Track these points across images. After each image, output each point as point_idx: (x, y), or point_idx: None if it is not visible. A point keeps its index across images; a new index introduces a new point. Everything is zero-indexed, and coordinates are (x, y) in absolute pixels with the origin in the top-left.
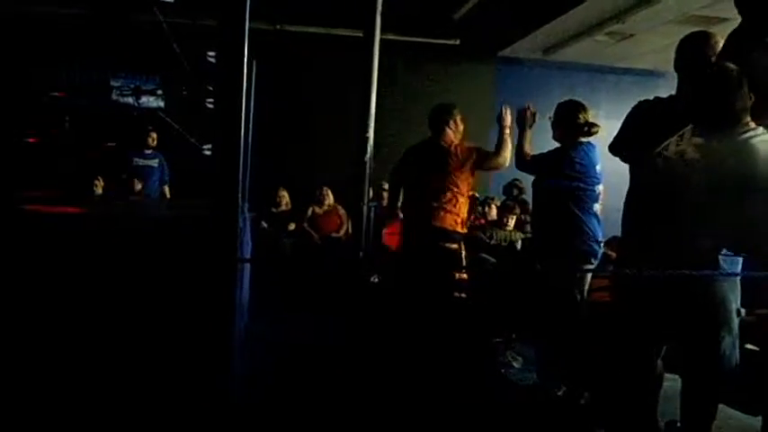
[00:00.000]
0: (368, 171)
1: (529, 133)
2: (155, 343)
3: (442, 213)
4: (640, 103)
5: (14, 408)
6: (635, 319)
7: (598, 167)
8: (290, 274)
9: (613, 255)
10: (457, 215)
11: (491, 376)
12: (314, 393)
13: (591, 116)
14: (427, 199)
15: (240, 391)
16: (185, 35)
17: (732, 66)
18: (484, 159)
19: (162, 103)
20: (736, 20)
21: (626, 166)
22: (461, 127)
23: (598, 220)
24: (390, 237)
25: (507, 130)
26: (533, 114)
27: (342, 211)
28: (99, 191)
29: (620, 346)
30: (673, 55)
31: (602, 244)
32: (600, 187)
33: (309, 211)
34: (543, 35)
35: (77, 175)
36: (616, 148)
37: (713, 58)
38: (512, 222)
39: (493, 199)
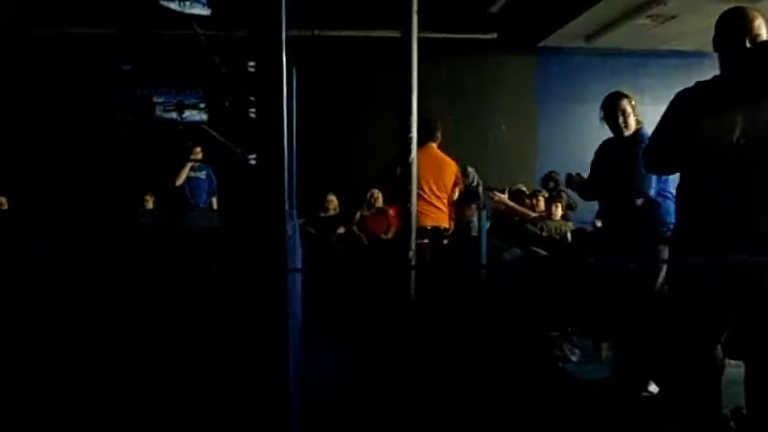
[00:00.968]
0: (414, 171)
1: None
2: (206, 359)
3: None
4: (679, 95)
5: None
6: (697, 306)
7: None
8: (342, 279)
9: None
10: None
11: (549, 370)
12: (373, 398)
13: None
14: None
15: (298, 405)
16: (225, 47)
17: None
18: None
19: (205, 116)
20: None
21: None
22: None
23: None
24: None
25: None
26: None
27: (391, 213)
28: (150, 206)
29: (682, 334)
30: None
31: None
32: None
33: (358, 215)
34: (584, 22)
35: (128, 191)
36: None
37: (753, 34)
38: (558, 213)
39: (540, 191)
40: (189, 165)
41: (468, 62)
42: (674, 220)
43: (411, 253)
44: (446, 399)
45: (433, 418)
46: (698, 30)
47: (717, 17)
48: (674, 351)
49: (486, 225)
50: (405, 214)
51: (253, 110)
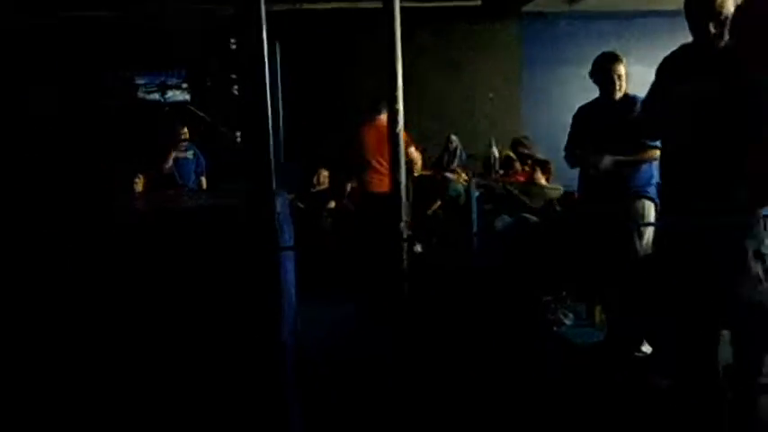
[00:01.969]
0: (401, 143)
1: None
2: (199, 339)
3: None
4: (661, 63)
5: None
6: (679, 267)
7: None
8: (333, 252)
9: None
10: None
11: (544, 334)
12: (367, 374)
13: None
14: None
15: (292, 379)
16: (206, 25)
17: None
18: None
19: (188, 96)
20: None
21: None
22: None
23: None
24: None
25: None
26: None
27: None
28: (139, 188)
29: (672, 296)
30: None
31: None
32: None
33: (348, 187)
34: None
35: (117, 174)
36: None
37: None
38: (542, 178)
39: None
40: (173, 150)
41: (454, 30)
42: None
43: (402, 224)
44: (441, 368)
45: (427, 385)
46: None
47: None
48: (665, 312)
49: (476, 194)
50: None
51: (236, 87)
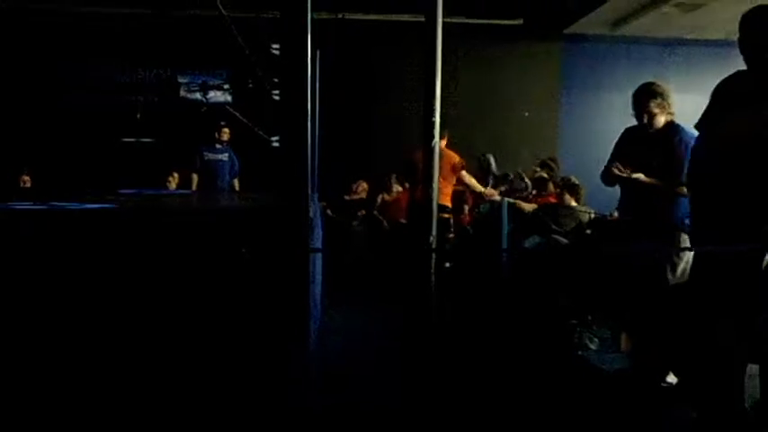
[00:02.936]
0: (435, 157)
1: None
2: (228, 337)
3: None
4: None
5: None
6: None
7: None
8: (362, 260)
9: None
10: None
11: (568, 358)
12: (391, 383)
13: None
14: None
15: (316, 385)
16: (249, 29)
17: None
18: None
19: (229, 98)
20: None
21: None
22: None
23: None
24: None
25: None
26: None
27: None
28: (173, 186)
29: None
30: None
31: None
32: None
33: (379, 199)
34: (610, 9)
35: (152, 171)
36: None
37: None
38: (572, 200)
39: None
40: (204, 151)
41: (494, 48)
42: None
43: (432, 237)
44: (466, 384)
45: (452, 403)
46: (725, 19)
47: (745, 5)
48: (692, 342)
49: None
50: (425, 197)
51: (276, 92)
